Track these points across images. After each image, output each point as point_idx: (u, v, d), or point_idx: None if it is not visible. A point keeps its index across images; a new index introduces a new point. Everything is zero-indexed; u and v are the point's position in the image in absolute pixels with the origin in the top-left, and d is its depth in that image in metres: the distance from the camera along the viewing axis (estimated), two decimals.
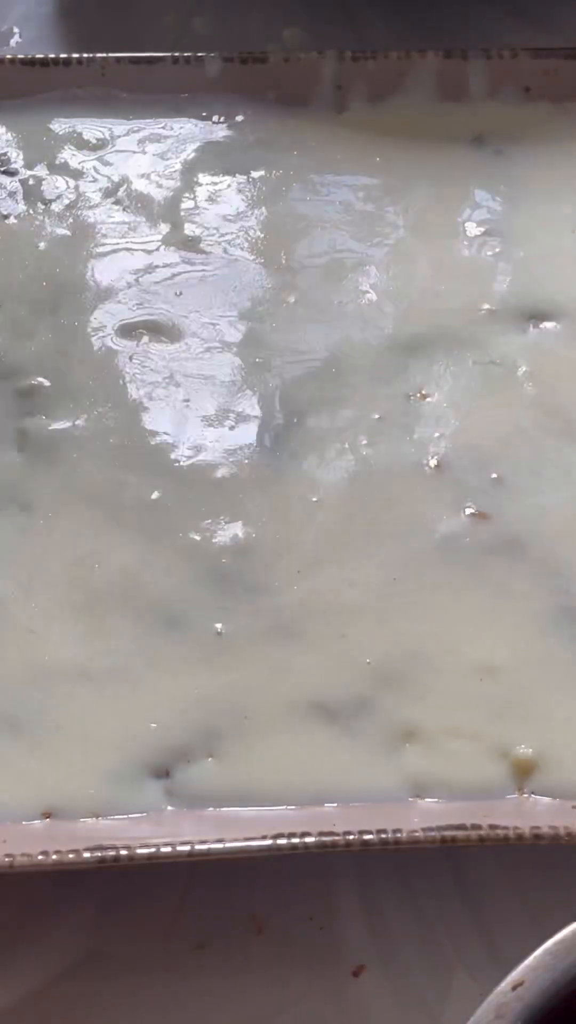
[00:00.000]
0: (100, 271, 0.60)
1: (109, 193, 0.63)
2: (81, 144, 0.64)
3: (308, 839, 0.45)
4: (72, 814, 0.47)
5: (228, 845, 0.45)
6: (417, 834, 0.45)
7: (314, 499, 0.54)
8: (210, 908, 0.48)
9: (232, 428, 0.56)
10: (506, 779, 0.48)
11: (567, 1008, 0.33)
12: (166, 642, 0.50)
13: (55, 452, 0.55)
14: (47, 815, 0.47)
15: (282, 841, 0.45)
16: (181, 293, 0.60)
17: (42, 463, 0.55)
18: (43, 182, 0.63)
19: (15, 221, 0.62)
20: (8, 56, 0.64)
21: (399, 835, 0.45)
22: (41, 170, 0.63)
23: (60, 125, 0.64)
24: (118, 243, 0.61)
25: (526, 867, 0.49)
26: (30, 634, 0.50)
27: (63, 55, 0.64)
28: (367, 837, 0.45)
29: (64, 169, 0.63)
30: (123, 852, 0.45)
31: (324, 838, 0.45)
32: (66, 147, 0.64)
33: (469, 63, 0.64)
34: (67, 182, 0.63)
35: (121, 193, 0.63)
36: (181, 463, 0.55)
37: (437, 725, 0.49)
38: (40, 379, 0.57)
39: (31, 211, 0.62)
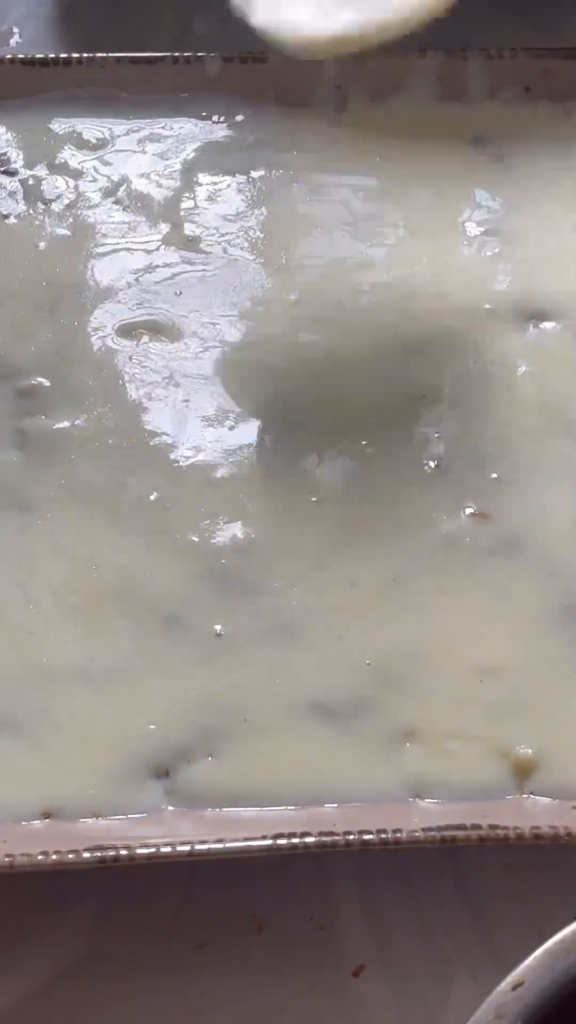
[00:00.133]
0: (100, 271, 0.60)
1: (109, 193, 0.63)
2: (81, 144, 0.64)
3: (308, 839, 0.45)
4: (72, 814, 0.47)
5: (228, 845, 0.45)
6: (417, 834, 0.45)
7: (314, 499, 0.54)
8: (210, 908, 0.48)
9: (232, 428, 0.56)
10: (506, 779, 0.48)
11: (567, 1008, 0.33)
12: (165, 642, 0.50)
13: (55, 452, 0.55)
14: (47, 815, 0.47)
15: (282, 841, 0.45)
16: (181, 293, 0.59)
17: (41, 463, 0.55)
18: (43, 182, 0.63)
19: (15, 221, 0.62)
20: (8, 56, 0.64)
21: (399, 835, 0.45)
22: (41, 170, 0.63)
23: (60, 125, 0.64)
24: (118, 243, 0.61)
25: (526, 867, 0.49)
26: (29, 635, 0.50)
27: (63, 55, 0.64)
28: (367, 837, 0.45)
29: (64, 169, 0.63)
30: (123, 852, 0.45)
31: (324, 838, 0.45)
32: (66, 147, 0.64)
33: (469, 63, 0.64)
34: (67, 182, 0.63)
35: (121, 193, 0.63)
36: (181, 463, 0.55)
37: (437, 725, 0.49)
38: (40, 379, 0.57)
39: (31, 211, 0.62)
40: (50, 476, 0.54)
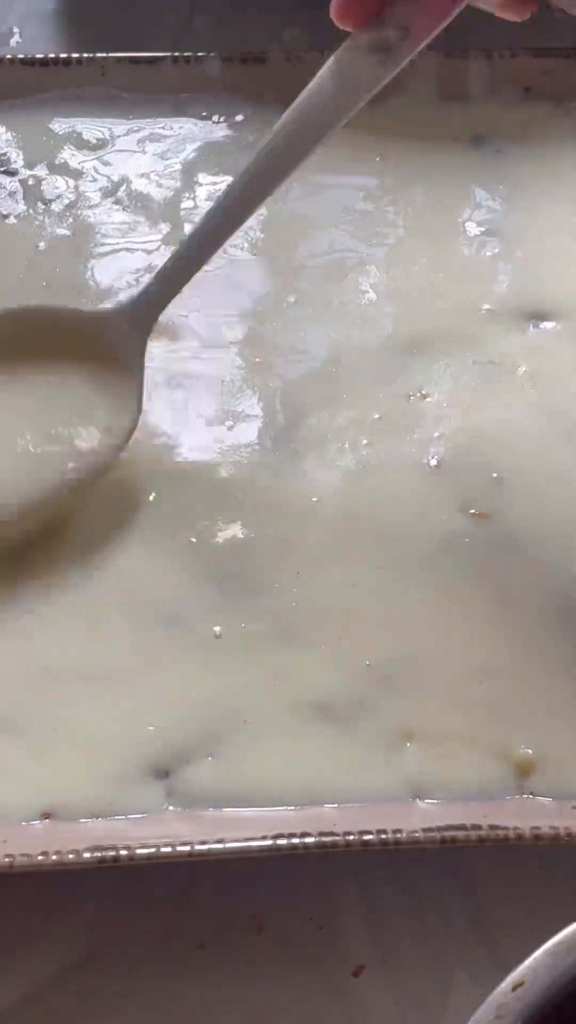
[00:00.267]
0: (100, 271, 0.60)
1: (109, 193, 0.63)
2: (81, 144, 0.64)
3: (308, 839, 0.45)
4: (72, 814, 0.47)
5: (228, 845, 0.45)
6: (417, 834, 0.45)
7: (314, 499, 0.54)
8: (210, 908, 0.48)
9: (232, 428, 0.56)
10: (506, 779, 0.48)
11: (567, 1008, 0.33)
12: (165, 643, 0.50)
13: None
14: (47, 815, 0.47)
15: (282, 841, 0.45)
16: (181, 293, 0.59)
17: None
18: (43, 182, 0.63)
19: (15, 221, 0.62)
20: (8, 56, 0.65)
21: (399, 835, 0.45)
22: (41, 170, 0.63)
23: (60, 125, 0.65)
24: (118, 243, 0.61)
25: (526, 867, 0.49)
26: (29, 636, 0.50)
27: (63, 55, 0.65)
28: (367, 837, 0.45)
29: (64, 169, 0.63)
30: (123, 852, 0.45)
31: (324, 838, 0.45)
32: (66, 147, 0.64)
33: (469, 63, 0.64)
34: (67, 182, 0.63)
35: (121, 193, 0.63)
36: (181, 463, 0.55)
37: (437, 726, 0.49)
38: None
39: (31, 211, 0.62)
40: None
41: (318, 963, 0.48)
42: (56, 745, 0.48)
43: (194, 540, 0.53)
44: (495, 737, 0.48)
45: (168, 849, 0.45)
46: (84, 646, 0.50)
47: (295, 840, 0.45)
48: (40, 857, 0.44)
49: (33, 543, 0.52)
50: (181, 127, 0.65)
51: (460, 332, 0.59)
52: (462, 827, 0.45)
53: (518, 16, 0.48)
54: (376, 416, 0.56)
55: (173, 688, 0.49)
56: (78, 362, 0.53)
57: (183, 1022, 0.47)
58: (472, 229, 0.62)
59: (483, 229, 0.62)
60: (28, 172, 0.63)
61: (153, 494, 0.54)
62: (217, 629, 0.51)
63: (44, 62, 0.64)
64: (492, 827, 0.45)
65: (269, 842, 0.45)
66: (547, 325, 0.59)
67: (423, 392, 0.57)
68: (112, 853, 0.44)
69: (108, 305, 0.58)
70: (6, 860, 0.44)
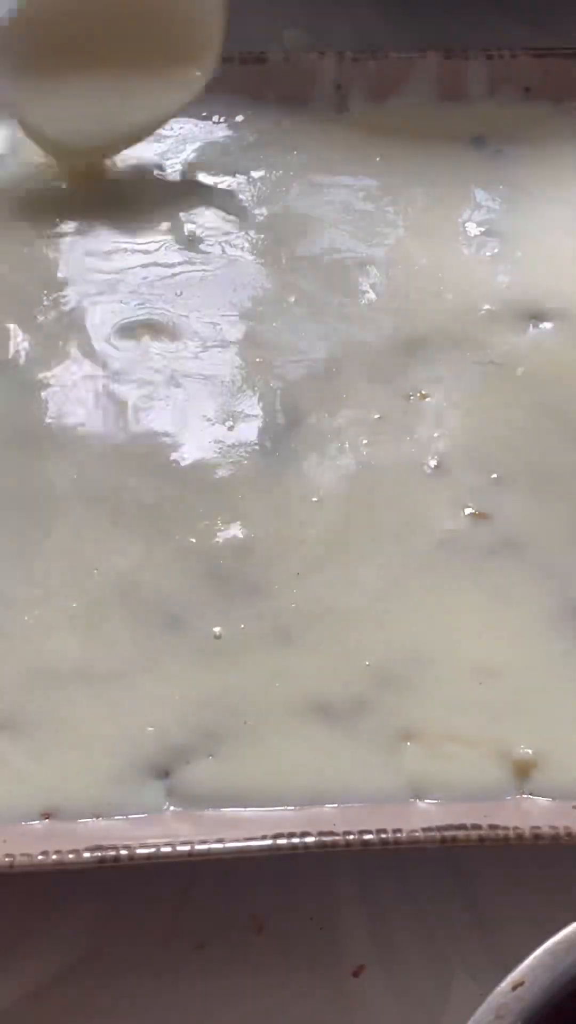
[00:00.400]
0: (100, 271, 0.60)
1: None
2: None
3: (308, 839, 0.45)
4: (72, 814, 0.47)
5: (228, 845, 0.45)
6: (417, 834, 0.45)
7: (314, 499, 0.54)
8: (210, 908, 0.48)
9: (232, 428, 0.56)
10: (506, 779, 0.48)
11: (567, 1008, 0.33)
12: (165, 643, 0.50)
13: (56, 452, 0.55)
14: (47, 815, 0.47)
15: (282, 841, 0.45)
16: (181, 293, 0.60)
17: (42, 464, 0.55)
18: None
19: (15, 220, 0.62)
20: None
21: (399, 835, 0.45)
22: None
23: None
24: (118, 243, 0.61)
25: (526, 867, 0.49)
26: (29, 636, 0.50)
27: None
28: (367, 837, 0.45)
29: None
30: (123, 852, 0.44)
31: (324, 838, 0.45)
32: None
33: (469, 63, 0.64)
34: None
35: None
36: (181, 463, 0.55)
37: (437, 726, 0.49)
38: (40, 377, 0.57)
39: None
40: (51, 477, 0.54)
41: (318, 963, 0.48)
42: (56, 745, 0.48)
43: (194, 540, 0.53)
44: (495, 737, 0.48)
45: (168, 849, 0.45)
46: (84, 646, 0.50)
47: (295, 840, 0.45)
48: (40, 857, 0.44)
49: None
50: (181, 127, 0.65)
51: (460, 332, 0.59)
52: (462, 827, 0.45)
53: None
54: (376, 416, 0.56)
55: (173, 688, 0.49)
56: None
57: (183, 1022, 0.47)
58: (472, 229, 0.62)
59: (483, 229, 0.62)
60: None
61: (154, 494, 0.54)
62: (217, 629, 0.51)
63: None
64: (492, 827, 0.45)
65: (269, 842, 0.45)
66: (547, 325, 0.59)
67: (423, 392, 0.57)
68: (112, 853, 0.44)
69: (109, 305, 0.58)
70: (6, 860, 0.44)
